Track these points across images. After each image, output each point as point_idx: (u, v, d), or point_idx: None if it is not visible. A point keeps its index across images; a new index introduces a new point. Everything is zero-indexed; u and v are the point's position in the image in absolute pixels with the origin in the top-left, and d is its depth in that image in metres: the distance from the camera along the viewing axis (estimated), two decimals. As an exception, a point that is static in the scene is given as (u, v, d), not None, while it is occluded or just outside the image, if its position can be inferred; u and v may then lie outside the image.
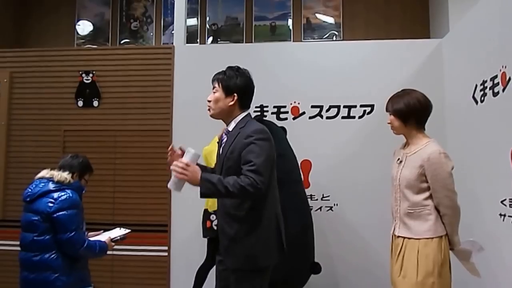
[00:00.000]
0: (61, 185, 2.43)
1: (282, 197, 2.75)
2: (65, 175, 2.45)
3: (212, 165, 2.38)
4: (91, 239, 2.53)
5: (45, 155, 3.62)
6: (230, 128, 2.10)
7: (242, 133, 2.01)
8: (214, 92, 2.10)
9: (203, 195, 1.93)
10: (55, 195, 2.38)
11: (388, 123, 2.32)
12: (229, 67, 2.14)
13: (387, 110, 2.33)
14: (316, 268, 2.94)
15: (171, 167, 1.91)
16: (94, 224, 3.46)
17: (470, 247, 2.25)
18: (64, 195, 2.38)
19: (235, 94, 2.06)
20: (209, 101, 2.11)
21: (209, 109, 2.12)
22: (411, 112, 2.22)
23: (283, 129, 3.08)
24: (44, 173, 2.51)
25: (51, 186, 2.42)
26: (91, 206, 3.48)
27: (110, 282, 3.52)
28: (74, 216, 2.37)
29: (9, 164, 3.68)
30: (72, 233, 2.34)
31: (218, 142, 2.25)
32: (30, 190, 2.46)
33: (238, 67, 2.14)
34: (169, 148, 2.13)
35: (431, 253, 2.11)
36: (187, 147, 2.02)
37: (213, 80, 2.13)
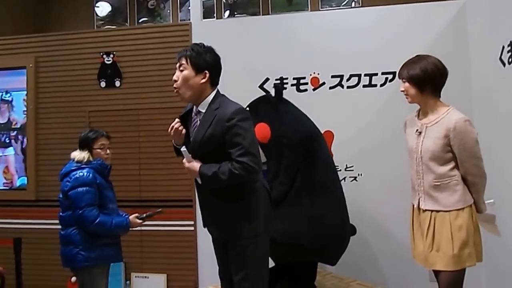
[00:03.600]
0: (81, 164, 2.56)
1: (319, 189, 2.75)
2: (83, 154, 2.59)
3: None
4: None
5: (72, 136, 3.69)
6: (203, 109, 2.01)
7: (220, 115, 1.94)
8: (181, 70, 1.97)
9: (205, 186, 2.04)
10: (72, 174, 2.53)
11: (402, 91, 2.22)
12: (194, 44, 2.02)
13: (400, 77, 2.23)
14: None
15: None
16: (122, 201, 3.57)
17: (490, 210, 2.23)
18: (77, 173, 2.51)
19: (206, 71, 1.96)
20: (176, 81, 1.98)
21: (176, 91, 2.00)
22: (428, 78, 2.13)
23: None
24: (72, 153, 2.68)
25: (73, 166, 2.57)
26: (118, 184, 3.56)
27: (140, 257, 3.64)
28: (85, 194, 2.47)
29: (38, 146, 3.82)
30: (81, 211, 2.46)
31: (181, 117, 2.12)
32: (61, 171, 2.65)
33: (203, 44, 2.03)
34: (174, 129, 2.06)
35: (464, 223, 2.06)
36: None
37: (179, 57, 1.99)
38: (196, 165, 1.98)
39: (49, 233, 3.60)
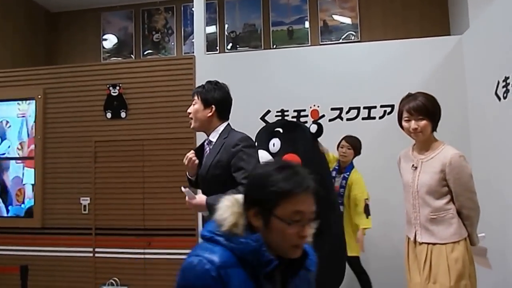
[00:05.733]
0: (215, 233, 1.23)
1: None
2: (233, 214, 1.23)
3: None
4: None
5: (78, 165, 3.83)
6: (213, 138, 2.21)
7: (228, 143, 2.14)
8: (193, 105, 2.23)
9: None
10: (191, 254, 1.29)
11: (415, 129, 2.17)
12: (208, 81, 2.25)
13: (414, 113, 2.17)
14: None
15: None
16: (126, 230, 3.63)
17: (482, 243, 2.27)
18: (191, 256, 1.21)
19: (213, 106, 2.18)
20: (189, 113, 2.24)
21: (190, 121, 2.26)
22: (439, 115, 2.20)
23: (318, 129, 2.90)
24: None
25: (205, 231, 1.29)
26: (122, 212, 3.67)
27: (144, 285, 3.66)
28: None
29: (45, 175, 3.89)
30: None
31: (196, 149, 2.30)
32: None
33: (217, 82, 2.26)
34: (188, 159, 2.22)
35: (460, 256, 2.10)
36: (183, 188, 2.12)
37: (192, 94, 2.25)
38: (201, 197, 2.10)
39: (56, 260, 3.68)
